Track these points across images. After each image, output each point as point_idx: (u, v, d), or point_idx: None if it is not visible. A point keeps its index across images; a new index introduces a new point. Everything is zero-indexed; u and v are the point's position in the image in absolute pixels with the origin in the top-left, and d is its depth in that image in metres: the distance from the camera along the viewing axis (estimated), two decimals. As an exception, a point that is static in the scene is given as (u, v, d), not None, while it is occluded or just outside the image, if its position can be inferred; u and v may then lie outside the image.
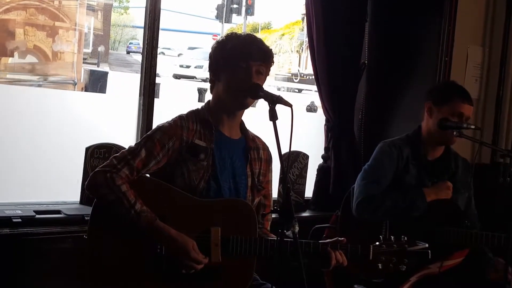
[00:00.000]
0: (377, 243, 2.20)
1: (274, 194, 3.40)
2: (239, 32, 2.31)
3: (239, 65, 2.15)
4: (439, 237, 2.66)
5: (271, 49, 2.23)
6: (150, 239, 2.06)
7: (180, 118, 2.23)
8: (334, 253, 2.14)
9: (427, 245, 2.20)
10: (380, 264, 2.18)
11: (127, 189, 2.03)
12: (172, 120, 2.23)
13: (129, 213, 2.01)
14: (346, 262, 2.16)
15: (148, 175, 2.19)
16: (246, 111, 2.29)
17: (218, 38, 2.33)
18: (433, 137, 2.82)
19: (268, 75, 2.25)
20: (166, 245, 2.05)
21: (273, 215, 1.92)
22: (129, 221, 2.03)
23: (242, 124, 2.34)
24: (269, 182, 2.40)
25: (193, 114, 2.26)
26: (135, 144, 2.17)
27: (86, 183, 2.10)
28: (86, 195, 2.85)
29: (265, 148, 2.40)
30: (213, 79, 2.26)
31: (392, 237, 2.22)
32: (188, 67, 20.69)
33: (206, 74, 2.33)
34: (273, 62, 2.24)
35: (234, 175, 2.26)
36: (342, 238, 2.20)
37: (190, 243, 2.04)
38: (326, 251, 2.15)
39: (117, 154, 2.13)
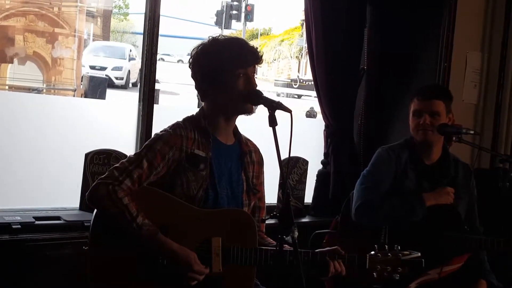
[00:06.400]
0: (373, 252, 2.20)
1: (274, 199, 3.42)
2: (222, 37, 2.21)
3: (238, 72, 2.13)
4: (438, 242, 2.66)
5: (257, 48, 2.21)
6: (151, 252, 2.05)
7: (179, 126, 2.19)
8: (332, 263, 2.14)
9: (419, 254, 2.20)
10: (375, 273, 2.19)
11: (129, 201, 2.02)
12: (170, 128, 2.19)
13: (131, 226, 2.00)
14: (344, 271, 2.16)
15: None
16: (243, 116, 2.24)
17: (200, 45, 2.22)
18: (415, 138, 2.82)
19: None
20: (168, 258, 2.05)
21: (273, 221, 1.92)
22: (131, 234, 2.02)
23: (235, 128, 2.31)
24: (262, 184, 2.39)
25: (189, 121, 2.23)
26: (135, 154, 2.13)
27: (87, 194, 2.08)
28: (86, 201, 2.84)
29: (256, 150, 2.39)
30: (208, 87, 2.19)
31: (386, 246, 2.22)
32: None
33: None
34: (262, 61, 2.22)
35: (231, 182, 2.25)
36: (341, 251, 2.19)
37: (192, 255, 2.04)
38: (325, 260, 2.14)
39: (118, 165, 2.09)
